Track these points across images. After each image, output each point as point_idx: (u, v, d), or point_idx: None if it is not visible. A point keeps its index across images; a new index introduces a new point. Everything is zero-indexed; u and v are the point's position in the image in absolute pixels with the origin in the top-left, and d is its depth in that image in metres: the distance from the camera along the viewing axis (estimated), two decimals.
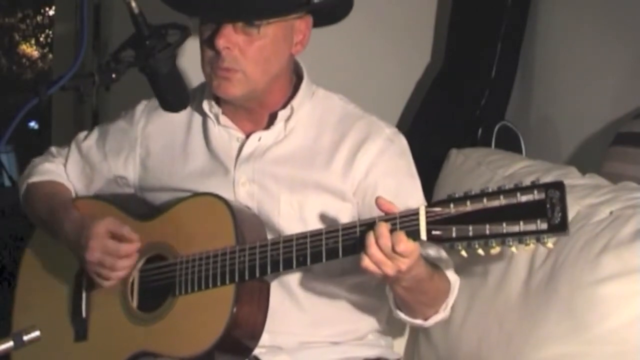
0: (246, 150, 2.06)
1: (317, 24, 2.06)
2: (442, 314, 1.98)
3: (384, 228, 1.72)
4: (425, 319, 1.98)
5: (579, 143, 2.75)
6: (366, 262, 1.74)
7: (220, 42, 1.94)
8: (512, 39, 2.97)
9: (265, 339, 1.96)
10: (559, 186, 1.58)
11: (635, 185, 2.12)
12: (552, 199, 1.58)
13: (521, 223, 1.60)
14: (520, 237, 1.60)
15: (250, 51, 1.95)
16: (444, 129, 3.02)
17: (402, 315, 1.98)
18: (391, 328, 2.19)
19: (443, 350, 2.23)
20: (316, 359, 2.04)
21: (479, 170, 2.41)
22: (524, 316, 2.04)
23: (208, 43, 1.97)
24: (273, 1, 1.96)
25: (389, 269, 1.74)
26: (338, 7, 2.07)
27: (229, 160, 2.07)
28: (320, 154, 2.05)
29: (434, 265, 1.92)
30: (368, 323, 2.12)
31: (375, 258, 1.73)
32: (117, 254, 1.98)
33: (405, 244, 1.71)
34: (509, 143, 2.92)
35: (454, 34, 3.13)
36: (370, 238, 1.73)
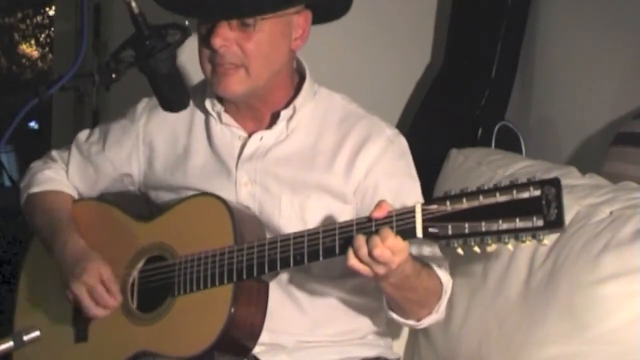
0: (248, 150, 2.06)
1: (318, 20, 2.05)
2: (435, 316, 1.97)
3: (361, 241, 1.73)
4: (418, 320, 1.97)
5: (579, 143, 2.75)
6: (352, 261, 1.75)
7: (217, 42, 1.93)
8: (512, 39, 2.97)
9: (265, 337, 1.96)
10: (554, 183, 1.58)
11: (635, 185, 2.12)
12: (547, 195, 1.57)
13: (517, 220, 1.59)
14: (516, 233, 1.60)
15: (249, 47, 1.94)
16: (444, 129, 3.02)
17: (394, 315, 1.97)
18: (391, 328, 2.19)
19: (443, 351, 2.23)
20: (315, 358, 2.04)
21: (479, 170, 2.41)
22: (524, 316, 2.04)
23: (205, 42, 1.97)
24: None
25: (380, 269, 1.75)
26: (336, 1, 2.06)
27: (231, 159, 2.07)
28: (322, 155, 2.04)
29: (423, 263, 1.91)
30: (368, 323, 2.11)
31: (366, 260, 1.74)
32: (98, 300, 1.99)
33: (394, 242, 1.71)
34: (509, 143, 2.92)
35: (454, 34, 3.13)
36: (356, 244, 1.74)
